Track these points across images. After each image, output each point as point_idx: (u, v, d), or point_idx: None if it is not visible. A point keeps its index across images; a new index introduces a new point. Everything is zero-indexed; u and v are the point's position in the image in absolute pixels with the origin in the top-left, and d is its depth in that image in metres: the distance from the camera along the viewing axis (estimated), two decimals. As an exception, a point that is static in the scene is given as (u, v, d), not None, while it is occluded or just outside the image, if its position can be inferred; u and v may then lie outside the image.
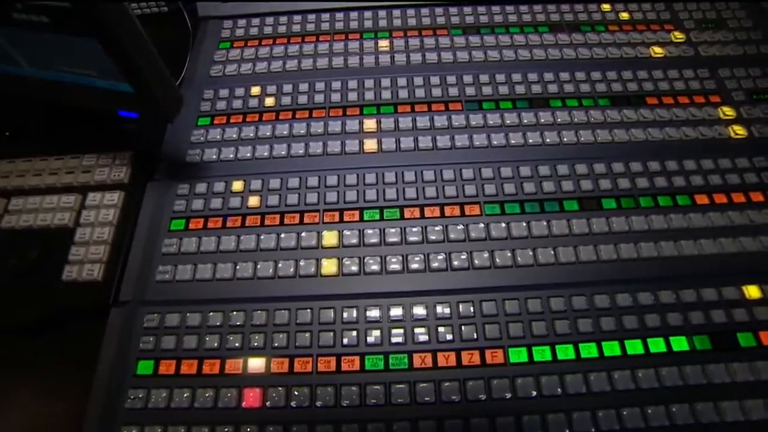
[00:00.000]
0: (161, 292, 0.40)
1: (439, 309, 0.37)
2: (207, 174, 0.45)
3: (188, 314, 0.38)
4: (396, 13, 0.56)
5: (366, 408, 0.34)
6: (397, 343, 0.36)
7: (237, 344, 0.37)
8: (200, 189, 0.44)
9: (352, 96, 0.49)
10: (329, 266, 0.40)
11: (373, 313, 0.37)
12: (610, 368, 0.35)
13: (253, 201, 0.43)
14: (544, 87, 0.49)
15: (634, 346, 0.35)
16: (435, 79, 0.50)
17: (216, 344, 0.37)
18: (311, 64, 0.52)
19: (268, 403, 0.34)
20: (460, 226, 0.41)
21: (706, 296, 0.37)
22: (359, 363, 0.35)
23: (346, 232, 0.41)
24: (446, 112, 0.48)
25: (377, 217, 0.42)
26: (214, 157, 0.46)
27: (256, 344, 0.37)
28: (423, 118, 0.47)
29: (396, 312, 0.37)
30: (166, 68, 0.38)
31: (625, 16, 0.55)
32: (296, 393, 0.35)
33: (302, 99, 0.49)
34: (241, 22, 0.56)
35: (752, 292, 0.37)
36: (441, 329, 0.36)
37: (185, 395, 0.35)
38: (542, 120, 0.47)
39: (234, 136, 0.47)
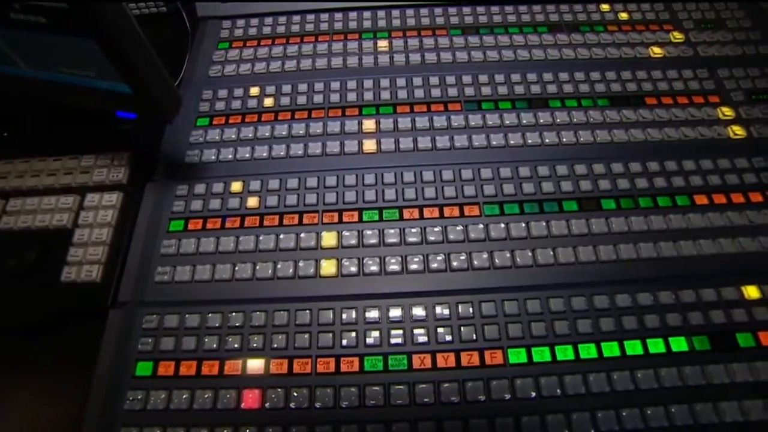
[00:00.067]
0: (160, 293, 0.39)
1: (438, 310, 0.37)
2: (206, 175, 0.45)
3: (187, 315, 0.38)
4: (395, 13, 0.56)
5: (365, 409, 0.34)
6: (397, 344, 0.36)
7: (236, 345, 0.37)
8: (199, 190, 0.44)
9: (351, 96, 0.49)
10: (328, 267, 0.40)
11: (373, 314, 0.37)
12: (609, 369, 0.35)
13: (252, 202, 0.43)
14: (543, 87, 0.49)
15: (634, 347, 0.35)
16: (434, 80, 0.50)
17: (215, 345, 0.37)
18: (310, 64, 0.52)
19: (267, 405, 0.34)
20: (459, 227, 0.41)
21: (705, 297, 0.37)
22: (358, 364, 0.35)
23: (345, 233, 0.41)
24: (445, 113, 0.48)
25: (376, 217, 0.42)
26: (213, 157, 0.46)
27: (255, 345, 0.36)
28: (422, 119, 0.47)
29: (395, 313, 0.37)
30: (165, 69, 0.38)
31: (624, 16, 0.55)
32: (295, 394, 0.34)
33: (301, 99, 0.49)
34: (240, 22, 0.56)
35: (751, 292, 0.37)
36: (440, 330, 0.36)
37: (184, 396, 0.35)
38: (541, 120, 0.47)
39: (233, 136, 0.47)
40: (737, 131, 0.46)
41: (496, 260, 0.39)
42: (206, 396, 0.35)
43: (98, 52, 0.35)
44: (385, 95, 0.49)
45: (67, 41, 0.35)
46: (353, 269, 0.39)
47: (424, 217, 0.42)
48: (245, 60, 0.53)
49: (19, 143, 0.49)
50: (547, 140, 0.45)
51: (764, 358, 0.35)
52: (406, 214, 0.42)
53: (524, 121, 0.47)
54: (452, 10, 0.56)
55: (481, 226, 0.41)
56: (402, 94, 0.49)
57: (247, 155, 0.46)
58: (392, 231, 0.41)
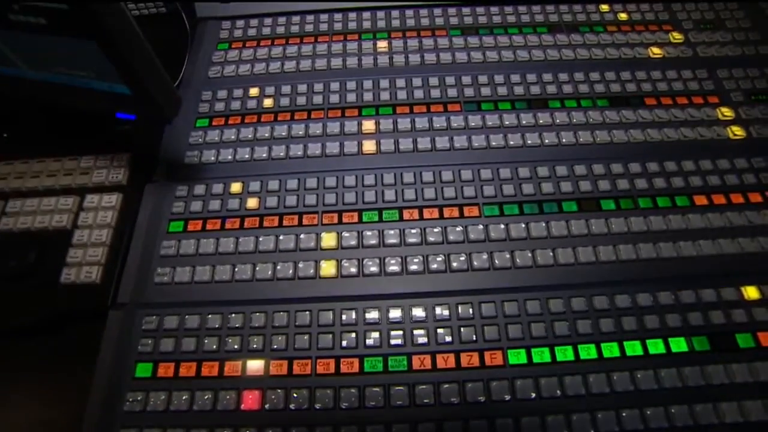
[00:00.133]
0: (160, 294, 0.39)
1: (438, 311, 0.37)
2: (205, 175, 0.45)
3: (187, 316, 0.38)
4: (394, 14, 0.56)
5: (365, 410, 0.34)
6: (396, 345, 0.36)
7: (236, 346, 0.37)
8: (199, 191, 0.44)
9: (351, 97, 0.49)
10: (328, 268, 0.39)
11: (372, 314, 0.37)
12: (609, 369, 0.35)
13: (252, 203, 0.43)
14: (542, 88, 0.49)
15: (633, 348, 0.35)
16: (433, 80, 0.50)
17: (215, 346, 0.37)
18: (310, 65, 0.52)
19: (267, 406, 0.34)
20: (459, 228, 0.41)
21: (704, 297, 0.37)
22: (358, 365, 0.35)
23: (345, 234, 0.41)
24: (445, 113, 0.48)
25: (376, 218, 0.42)
26: (213, 158, 0.46)
27: (255, 346, 0.36)
28: (422, 120, 0.47)
29: (395, 314, 0.37)
30: (164, 69, 0.38)
31: (623, 16, 0.55)
32: (295, 395, 0.34)
33: (301, 100, 0.49)
34: (240, 23, 0.56)
35: (751, 292, 0.37)
36: (440, 331, 0.36)
37: (184, 397, 0.35)
38: (541, 121, 0.47)
39: (232, 137, 0.47)
40: (737, 132, 0.46)
41: (496, 261, 0.39)
42: (206, 397, 0.35)
43: (98, 54, 0.35)
44: (385, 96, 0.49)
45: (67, 42, 0.35)
46: (353, 270, 0.39)
47: (423, 217, 0.42)
48: (245, 61, 0.53)
49: (18, 144, 0.48)
50: (546, 141, 0.46)
51: (764, 359, 0.35)
52: (406, 214, 0.42)
53: (524, 122, 0.47)
54: (452, 10, 0.56)
55: (481, 226, 0.41)
56: (401, 95, 0.49)
57: (247, 156, 0.46)
58: (392, 232, 0.41)
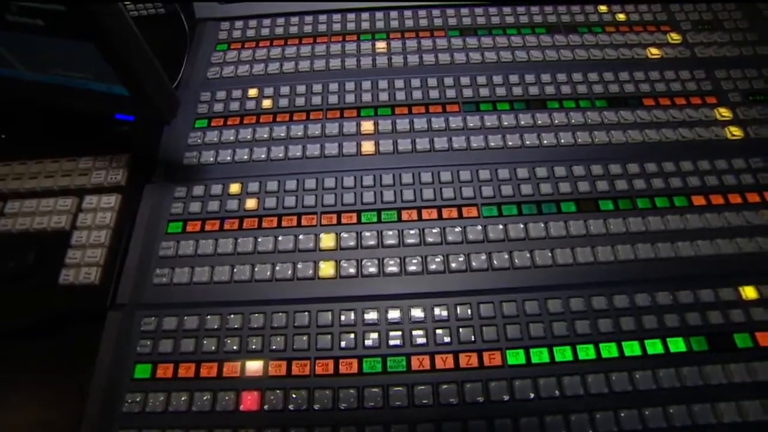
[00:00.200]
0: (158, 295, 0.39)
1: (436, 311, 0.37)
2: (204, 176, 0.45)
3: (186, 317, 0.38)
4: (393, 14, 0.56)
5: (364, 411, 0.34)
6: (395, 346, 0.36)
7: (235, 347, 0.37)
8: (197, 191, 0.44)
9: (350, 98, 0.49)
10: (327, 269, 0.40)
11: (371, 315, 0.37)
12: (607, 370, 0.35)
13: (251, 203, 0.43)
14: (541, 88, 0.49)
15: (632, 348, 0.35)
16: (432, 81, 0.50)
17: (214, 347, 0.37)
18: (309, 66, 0.52)
19: (265, 406, 0.34)
20: (458, 228, 0.41)
21: (702, 297, 0.37)
22: (357, 366, 0.35)
23: (344, 235, 0.41)
24: (443, 114, 0.48)
25: (375, 219, 0.42)
26: (212, 159, 0.46)
27: (253, 347, 0.36)
28: (420, 120, 0.47)
29: (394, 314, 0.37)
30: (163, 70, 0.38)
31: (621, 17, 0.55)
32: (294, 396, 0.34)
33: (299, 101, 0.49)
34: (239, 24, 0.56)
35: (749, 292, 0.38)
36: (439, 331, 0.37)
37: (183, 398, 0.35)
38: (539, 121, 0.47)
39: (231, 138, 0.47)
40: (734, 132, 0.46)
41: (495, 261, 0.39)
42: (205, 398, 0.35)
43: (96, 55, 0.35)
44: (384, 97, 0.49)
45: (65, 44, 0.35)
46: (352, 271, 0.39)
47: (422, 218, 0.42)
48: (243, 62, 0.53)
49: (16, 145, 0.48)
50: (545, 141, 0.46)
51: (762, 359, 0.35)
52: (405, 215, 0.42)
53: (522, 123, 0.47)
54: (450, 11, 0.56)
55: (480, 227, 0.41)
56: (400, 96, 0.49)
57: (246, 157, 0.46)
58: (390, 232, 0.41)
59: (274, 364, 0.36)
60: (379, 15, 0.56)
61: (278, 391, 0.35)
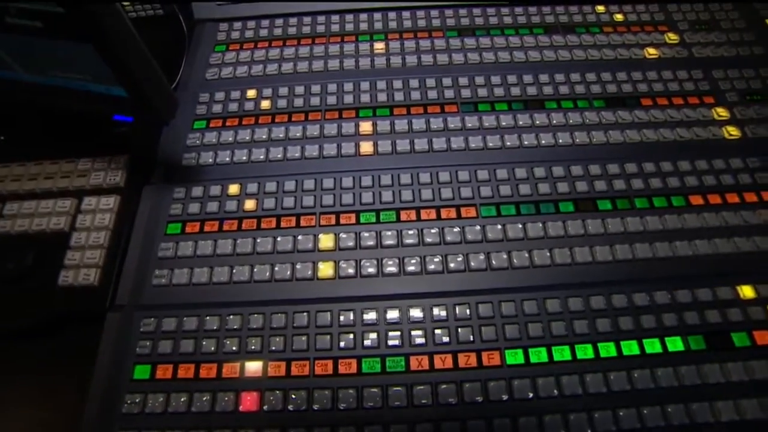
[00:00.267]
0: (158, 296, 0.39)
1: (435, 311, 0.37)
2: (203, 177, 0.45)
3: (185, 318, 0.38)
4: (391, 15, 0.56)
5: (363, 411, 0.34)
6: (394, 346, 0.36)
7: (234, 348, 0.37)
8: (196, 192, 0.44)
9: (348, 98, 0.49)
10: (326, 269, 0.40)
11: (370, 315, 0.37)
12: (606, 369, 0.35)
13: (250, 204, 0.43)
14: (539, 89, 0.49)
15: (630, 347, 0.36)
16: (430, 81, 0.50)
17: (213, 348, 0.37)
18: (307, 66, 0.52)
19: (265, 407, 0.34)
20: (456, 228, 0.41)
21: (700, 296, 0.37)
22: (356, 366, 0.35)
23: (343, 235, 0.41)
24: (442, 115, 0.48)
25: (373, 219, 0.42)
26: (210, 160, 0.46)
27: (253, 348, 0.37)
28: (419, 121, 0.47)
29: (393, 314, 0.37)
30: (161, 72, 0.38)
31: (619, 17, 0.55)
32: (293, 396, 0.35)
33: (298, 102, 0.49)
34: (237, 24, 0.56)
35: (746, 292, 0.38)
36: (438, 331, 0.37)
37: (182, 399, 0.35)
38: (537, 122, 0.47)
39: (230, 139, 0.47)
40: (732, 132, 0.46)
41: (493, 261, 0.39)
42: (204, 399, 0.35)
43: (95, 56, 0.35)
44: (382, 97, 0.49)
45: (64, 45, 0.35)
46: (351, 271, 0.39)
47: (421, 218, 0.42)
48: (242, 63, 0.53)
49: (15, 147, 0.49)
50: (543, 141, 0.46)
51: (759, 358, 0.35)
52: (403, 216, 0.42)
53: (520, 123, 0.47)
54: (448, 11, 0.56)
55: (478, 227, 0.41)
56: (398, 96, 0.49)
57: (245, 158, 0.46)
58: (389, 233, 0.41)
59: (273, 365, 0.36)
60: (378, 16, 0.56)
61: (277, 392, 0.35)
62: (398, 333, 0.37)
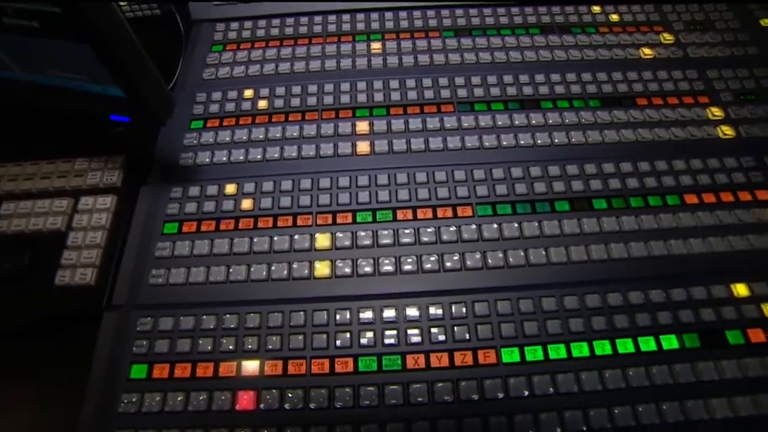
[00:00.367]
0: (154, 295, 0.39)
1: (431, 310, 0.38)
2: (200, 177, 0.45)
3: (182, 317, 0.38)
4: (388, 15, 0.56)
5: (359, 409, 0.34)
6: (390, 345, 0.36)
7: (231, 347, 0.37)
8: (193, 192, 0.44)
9: (345, 98, 0.50)
10: (322, 268, 0.40)
11: (366, 314, 0.38)
12: (601, 367, 0.35)
13: (246, 204, 0.43)
14: (535, 88, 0.49)
15: (625, 345, 0.36)
16: (427, 81, 0.50)
17: (209, 347, 0.37)
18: (304, 66, 0.52)
19: (261, 406, 0.34)
20: (453, 228, 0.41)
21: (695, 295, 0.38)
22: (353, 364, 0.36)
23: (339, 234, 0.41)
24: (438, 114, 0.48)
25: (370, 219, 0.42)
26: (207, 160, 0.46)
27: (249, 347, 0.37)
28: (415, 120, 0.47)
29: (389, 313, 0.37)
30: (158, 72, 0.38)
31: (614, 17, 0.55)
32: (290, 395, 0.35)
33: (295, 102, 0.49)
34: (234, 25, 0.57)
35: (740, 290, 0.38)
36: (434, 330, 0.37)
37: (179, 398, 0.35)
38: (533, 121, 0.47)
39: (227, 139, 0.47)
40: (726, 131, 0.46)
41: (489, 260, 0.39)
42: (201, 398, 0.35)
43: (91, 56, 0.35)
44: (379, 97, 0.49)
45: (60, 45, 0.36)
46: (347, 270, 0.40)
47: (417, 218, 0.42)
48: (239, 62, 0.53)
49: (12, 146, 0.48)
50: (539, 141, 0.46)
51: (753, 355, 0.35)
52: (400, 215, 0.42)
53: (516, 122, 0.47)
54: (445, 12, 0.56)
55: (474, 226, 0.41)
56: (395, 96, 0.49)
57: (241, 157, 0.46)
58: (386, 232, 0.41)
59: (270, 364, 0.36)
60: (375, 16, 0.56)
61: (274, 391, 0.35)
62: (394, 332, 0.37)
